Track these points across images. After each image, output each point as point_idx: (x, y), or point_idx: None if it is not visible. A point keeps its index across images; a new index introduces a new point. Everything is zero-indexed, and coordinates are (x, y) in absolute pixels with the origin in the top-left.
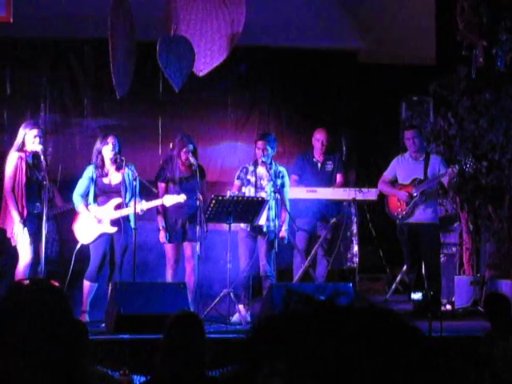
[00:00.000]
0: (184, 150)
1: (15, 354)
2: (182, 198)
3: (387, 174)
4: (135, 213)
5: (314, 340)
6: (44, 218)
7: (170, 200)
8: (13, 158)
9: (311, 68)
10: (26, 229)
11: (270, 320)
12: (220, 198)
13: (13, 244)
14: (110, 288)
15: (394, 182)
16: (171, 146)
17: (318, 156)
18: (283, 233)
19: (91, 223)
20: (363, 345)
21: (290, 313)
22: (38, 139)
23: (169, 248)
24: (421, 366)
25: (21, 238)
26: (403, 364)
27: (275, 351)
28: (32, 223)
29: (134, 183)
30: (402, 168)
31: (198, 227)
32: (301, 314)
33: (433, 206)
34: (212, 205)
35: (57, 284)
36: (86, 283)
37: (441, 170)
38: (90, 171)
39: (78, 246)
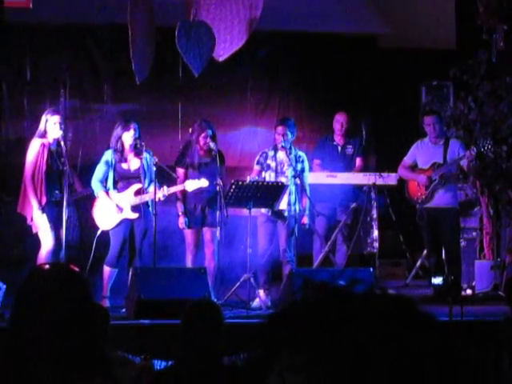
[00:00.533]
0: (203, 134)
1: (36, 339)
2: (204, 182)
3: (407, 159)
4: (154, 198)
5: (331, 328)
6: (65, 203)
7: (192, 185)
8: (35, 145)
9: (331, 53)
10: (44, 215)
11: (287, 308)
12: (240, 182)
13: (33, 231)
14: (130, 273)
15: (414, 167)
16: (190, 130)
17: (338, 139)
18: (305, 218)
19: (112, 209)
20: (379, 332)
21: (307, 301)
22: (58, 125)
23: (188, 233)
24: (435, 352)
25: (40, 224)
26: (418, 350)
27: (293, 340)
28: (52, 210)
29: (154, 169)
30: (422, 153)
31: (218, 212)
32: (317, 302)
33: (452, 191)
34: (232, 190)
35: (77, 269)
36: (107, 269)
37: (460, 154)
38: (108, 156)
39: (99, 232)
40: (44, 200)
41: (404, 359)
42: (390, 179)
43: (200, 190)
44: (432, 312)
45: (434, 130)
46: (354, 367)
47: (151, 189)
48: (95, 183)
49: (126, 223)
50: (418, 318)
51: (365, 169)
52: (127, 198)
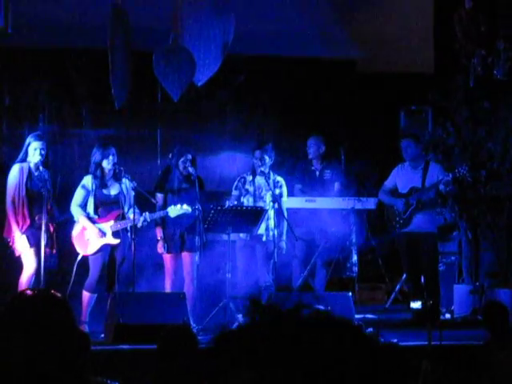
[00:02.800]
0: (182, 159)
1: (17, 365)
2: (187, 208)
3: (387, 183)
4: (133, 223)
5: (276, 348)
6: (43, 228)
7: (175, 211)
8: (14, 170)
9: (309, 78)
10: (25, 239)
11: (236, 329)
12: (219, 207)
13: (16, 254)
14: (109, 298)
15: (394, 191)
16: (170, 155)
17: (315, 164)
18: (282, 243)
19: (93, 234)
20: (322, 354)
21: (255, 323)
22: (38, 151)
23: (167, 258)
24: (372, 373)
25: (22, 248)
26: (357, 373)
27: (241, 359)
28: (35, 234)
29: (132, 193)
30: (402, 177)
31: (197, 237)
32: (262, 325)
33: (430, 215)
34: (211, 215)
35: (59, 295)
36: (86, 294)
37: (439, 178)
38: (87, 181)
39: (79, 257)
40: (28, 223)
41: (346, 380)
42: (369, 203)
43: (179, 216)
44: (374, 336)
45: (406, 153)
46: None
47: (131, 214)
48: (75, 208)
49: (106, 249)
50: (359, 342)
51: (344, 193)
52: (108, 223)
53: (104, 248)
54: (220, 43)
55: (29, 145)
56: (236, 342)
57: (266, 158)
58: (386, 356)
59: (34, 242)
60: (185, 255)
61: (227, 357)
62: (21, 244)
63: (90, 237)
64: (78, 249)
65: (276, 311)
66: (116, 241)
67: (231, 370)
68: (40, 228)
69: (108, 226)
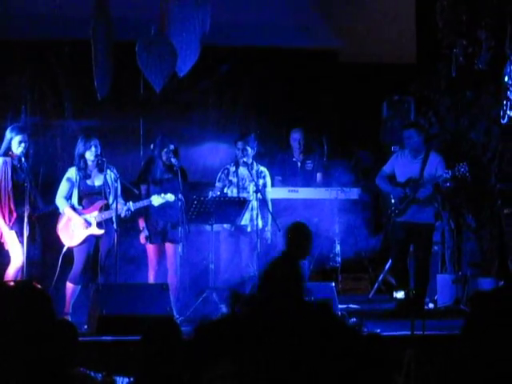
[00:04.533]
0: (165, 150)
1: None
2: (170, 197)
3: (386, 169)
4: (116, 214)
5: (258, 340)
6: (25, 220)
7: (158, 199)
8: None
9: (292, 68)
10: (13, 232)
11: (216, 321)
12: (202, 198)
13: (6, 248)
14: (92, 290)
15: (392, 178)
16: (152, 146)
17: (297, 156)
18: (266, 233)
19: (78, 225)
20: (304, 343)
21: (235, 314)
22: (22, 144)
23: (150, 249)
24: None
25: (10, 241)
26: (340, 362)
27: (222, 351)
28: (21, 226)
29: (116, 185)
30: (401, 164)
31: (180, 228)
32: (245, 316)
33: (428, 206)
34: (194, 205)
35: (39, 286)
36: (69, 285)
37: (438, 172)
38: (71, 173)
39: (65, 248)
40: (15, 216)
41: (328, 369)
42: (352, 193)
43: (162, 206)
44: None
45: (410, 144)
46: (279, 376)
47: (115, 205)
48: (60, 200)
49: (91, 240)
50: (341, 330)
51: (326, 184)
52: (92, 214)
53: (89, 239)
54: (198, 34)
55: (11, 139)
56: (216, 333)
57: (249, 148)
58: (369, 345)
59: (21, 235)
60: (168, 246)
61: (207, 347)
62: (9, 238)
63: (75, 228)
64: (64, 240)
65: (255, 301)
66: (100, 231)
67: (211, 360)
68: (23, 220)
69: (92, 216)
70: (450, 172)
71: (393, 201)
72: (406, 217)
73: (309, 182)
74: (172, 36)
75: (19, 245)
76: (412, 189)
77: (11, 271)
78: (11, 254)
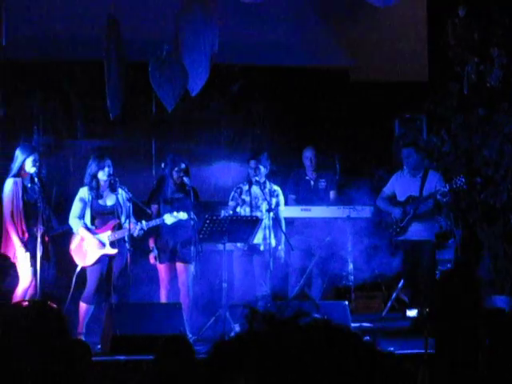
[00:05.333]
0: (176, 168)
1: (16, 377)
2: (183, 215)
3: (386, 190)
4: (129, 233)
5: (277, 358)
6: (39, 240)
7: (170, 218)
8: (8, 185)
9: (304, 87)
10: (28, 253)
11: (234, 337)
12: (214, 217)
13: (17, 268)
14: (105, 309)
15: (392, 198)
16: (163, 165)
17: (310, 174)
18: (280, 252)
19: (92, 245)
20: (321, 363)
21: (250, 332)
22: (33, 163)
23: (161, 268)
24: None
25: (22, 261)
26: (356, 380)
27: (241, 368)
28: (33, 246)
29: (128, 204)
30: (400, 184)
31: (192, 247)
32: (261, 334)
33: (428, 224)
34: (206, 225)
35: (54, 306)
36: (83, 305)
37: (437, 187)
38: (83, 193)
39: (78, 268)
40: (26, 236)
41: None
42: (364, 212)
43: (174, 226)
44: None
45: (409, 163)
46: None
47: (128, 224)
48: (73, 220)
49: (104, 259)
50: (358, 349)
51: (339, 202)
52: (105, 233)
53: (102, 259)
54: (208, 53)
55: (25, 159)
56: (234, 351)
57: (261, 167)
58: (385, 363)
59: (34, 255)
60: (179, 266)
61: (225, 365)
62: (23, 258)
63: (89, 248)
64: (77, 261)
65: (274, 319)
66: (114, 251)
67: (229, 379)
68: (36, 240)
69: (105, 236)
70: (447, 186)
71: (394, 220)
72: (407, 235)
73: (322, 200)
74: (184, 55)
75: (29, 265)
76: (412, 206)
77: (19, 291)
78: (20, 274)
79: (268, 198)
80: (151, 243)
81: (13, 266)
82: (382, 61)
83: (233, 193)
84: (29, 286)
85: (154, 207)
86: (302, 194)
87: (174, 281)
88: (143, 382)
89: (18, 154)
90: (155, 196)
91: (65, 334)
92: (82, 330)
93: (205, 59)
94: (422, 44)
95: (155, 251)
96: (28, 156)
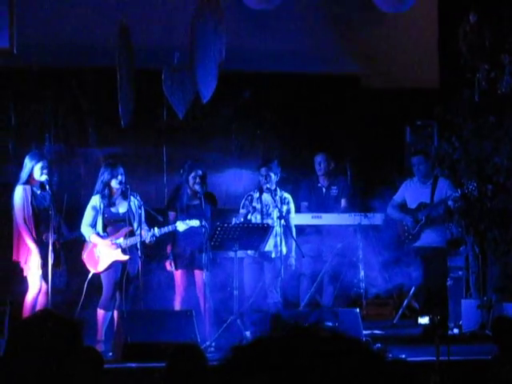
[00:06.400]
0: (192, 174)
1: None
2: (195, 222)
3: (396, 198)
4: (140, 241)
5: (297, 364)
6: (50, 247)
7: (183, 225)
8: (18, 192)
9: (314, 94)
10: (40, 260)
11: (253, 342)
12: (225, 225)
13: (24, 274)
14: (116, 316)
15: (403, 206)
16: (181, 171)
17: (322, 181)
18: (291, 260)
19: (105, 252)
20: (343, 372)
21: (274, 337)
22: (42, 170)
23: (177, 275)
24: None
25: (34, 268)
26: None
27: (259, 374)
28: (43, 253)
29: (140, 211)
30: (410, 192)
31: (204, 255)
32: (285, 339)
33: (439, 231)
34: (217, 232)
35: (65, 315)
36: (100, 312)
37: (447, 194)
38: (95, 201)
39: (90, 275)
40: (37, 243)
41: None
42: (376, 219)
43: (189, 232)
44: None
45: (419, 170)
46: None
47: (139, 231)
48: (85, 228)
49: (117, 265)
50: (369, 360)
51: (350, 209)
52: (118, 240)
53: (115, 264)
54: (217, 60)
55: (33, 166)
56: (252, 355)
57: (272, 174)
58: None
59: (44, 262)
60: (197, 273)
61: (241, 371)
62: (35, 265)
63: (100, 254)
64: (89, 267)
65: (297, 326)
66: (126, 257)
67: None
68: (47, 248)
69: (118, 242)
70: (459, 190)
71: (405, 228)
72: (419, 242)
73: (334, 207)
74: (198, 63)
75: (39, 272)
76: (423, 213)
77: (29, 298)
78: (29, 280)
79: (279, 205)
80: (168, 250)
81: (21, 272)
82: (393, 68)
83: (243, 200)
84: (38, 293)
85: (172, 214)
86: (314, 202)
87: (189, 288)
88: None
89: (27, 162)
90: (172, 203)
91: (78, 342)
92: (101, 336)
93: (214, 66)
94: (433, 51)
95: (171, 258)
96: (36, 163)
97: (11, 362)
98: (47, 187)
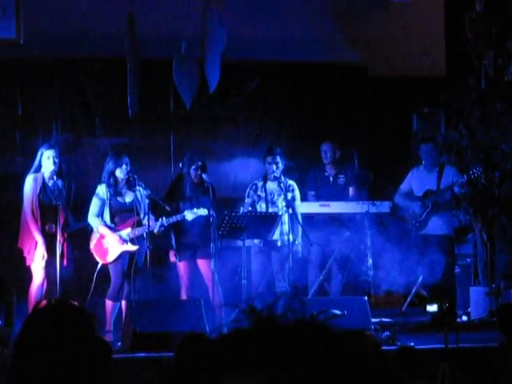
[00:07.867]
0: (193, 166)
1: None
2: (203, 211)
3: (403, 186)
4: (148, 231)
5: (285, 353)
6: (58, 238)
7: (191, 214)
8: (29, 181)
9: (322, 82)
10: (45, 250)
11: (239, 331)
12: (233, 214)
13: (27, 264)
14: (124, 306)
15: (410, 194)
16: (180, 165)
17: (329, 170)
18: (297, 246)
19: (113, 242)
20: (317, 360)
21: (274, 323)
22: (51, 160)
23: (181, 265)
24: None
25: (38, 258)
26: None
27: (246, 363)
28: (50, 243)
29: (146, 201)
30: (417, 180)
31: (212, 244)
32: (280, 328)
33: (446, 218)
34: (225, 221)
35: (76, 303)
36: (109, 302)
37: (453, 181)
38: (101, 190)
39: (99, 266)
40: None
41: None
42: (383, 207)
43: (193, 223)
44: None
45: (429, 158)
46: None
47: (147, 221)
48: (92, 218)
49: (125, 256)
50: (342, 347)
51: (358, 198)
52: (125, 231)
53: (123, 255)
54: (220, 50)
55: (42, 155)
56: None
57: (278, 162)
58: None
59: (50, 253)
60: (201, 262)
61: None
62: (39, 255)
63: (109, 245)
64: (98, 258)
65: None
66: (134, 247)
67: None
68: (52, 238)
69: (125, 233)
70: (465, 176)
71: (413, 215)
72: (427, 230)
73: (341, 196)
74: (206, 52)
75: (43, 262)
76: (430, 200)
77: (34, 289)
78: (33, 271)
79: (284, 192)
80: (171, 240)
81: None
82: (400, 55)
83: (248, 189)
84: (42, 283)
85: (172, 205)
86: (321, 191)
87: (193, 278)
88: (163, 379)
89: (38, 152)
90: (172, 194)
91: (89, 331)
92: (109, 327)
93: (218, 56)
94: (440, 38)
95: (175, 248)
96: (45, 151)
97: (24, 352)
98: (55, 177)
